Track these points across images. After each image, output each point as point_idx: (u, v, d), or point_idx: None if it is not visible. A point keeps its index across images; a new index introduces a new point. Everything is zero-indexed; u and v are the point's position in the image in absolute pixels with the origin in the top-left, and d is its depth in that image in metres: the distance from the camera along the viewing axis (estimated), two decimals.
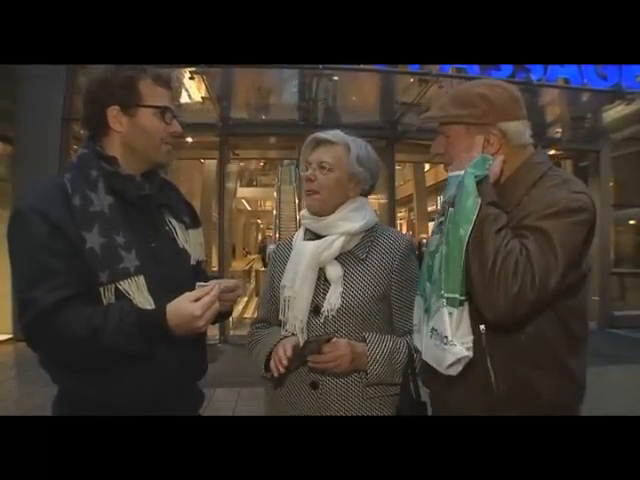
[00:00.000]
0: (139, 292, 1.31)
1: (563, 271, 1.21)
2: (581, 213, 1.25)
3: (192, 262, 1.54)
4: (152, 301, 1.32)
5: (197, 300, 1.25)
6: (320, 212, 1.66)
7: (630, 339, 7.62)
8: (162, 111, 1.40)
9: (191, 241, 1.54)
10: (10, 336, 7.22)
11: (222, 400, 4.82)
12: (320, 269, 1.63)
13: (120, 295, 1.29)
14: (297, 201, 13.53)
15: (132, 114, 1.37)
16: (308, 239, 1.69)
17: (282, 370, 1.51)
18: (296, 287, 1.62)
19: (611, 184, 9.76)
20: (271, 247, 5.29)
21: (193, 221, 1.57)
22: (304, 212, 1.72)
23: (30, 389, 4.91)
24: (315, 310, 1.63)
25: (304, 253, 1.64)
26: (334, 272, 1.62)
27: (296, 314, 1.62)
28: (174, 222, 1.51)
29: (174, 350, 1.34)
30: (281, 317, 1.68)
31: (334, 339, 1.53)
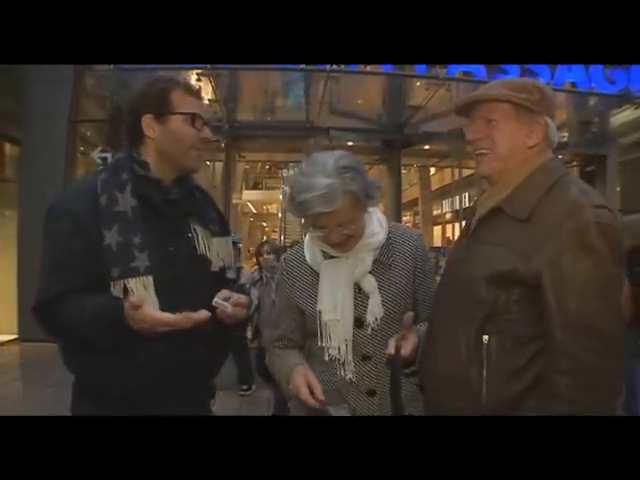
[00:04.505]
0: (145, 291, 1.36)
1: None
2: (608, 234, 1.22)
3: (214, 269, 1.55)
4: (157, 301, 1.36)
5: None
6: (351, 249, 1.60)
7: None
8: (191, 117, 1.46)
9: (214, 248, 1.55)
10: (16, 336, 7.26)
11: (224, 405, 4.79)
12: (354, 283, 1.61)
13: (127, 292, 1.35)
14: None
15: (164, 121, 1.44)
16: (329, 258, 1.63)
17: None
18: (339, 310, 1.57)
19: (618, 189, 9.73)
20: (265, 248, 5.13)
21: (221, 229, 1.60)
22: (323, 244, 1.62)
23: (35, 389, 4.93)
24: (358, 324, 1.59)
25: (338, 274, 1.59)
26: (370, 283, 1.59)
27: (343, 335, 1.58)
28: (199, 229, 1.53)
29: (177, 347, 1.37)
30: (321, 343, 1.61)
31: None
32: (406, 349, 1.47)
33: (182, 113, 1.44)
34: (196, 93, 1.51)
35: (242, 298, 1.47)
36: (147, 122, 1.44)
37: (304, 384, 1.50)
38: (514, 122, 1.35)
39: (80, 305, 1.33)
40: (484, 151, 1.39)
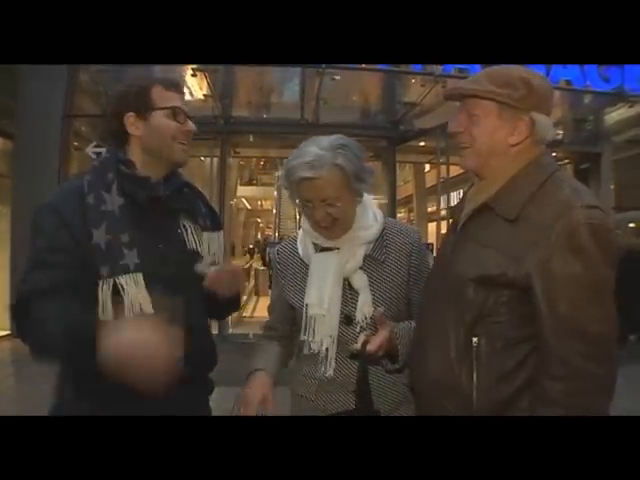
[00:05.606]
0: (135, 288, 1.38)
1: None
2: (603, 236, 1.21)
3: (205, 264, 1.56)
4: (148, 297, 1.37)
5: None
6: (339, 236, 1.59)
7: (630, 342, 7.60)
8: (172, 111, 1.47)
9: (205, 243, 1.56)
10: (8, 332, 7.21)
11: (220, 400, 4.78)
12: (343, 278, 1.59)
13: (117, 290, 1.36)
14: None
15: (146, 118, 1.46)
16: (321, 250, 1.62)
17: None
18: (325, 304, 1.55)
19: (612, 187, 9.77)
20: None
21: (212, 224, 1.60)
22: (313, 232, 1.62)
23: (28, 386, 4.91)
24: (347, 321, 1.58)
25: (327, 268, 1.57)
26: (360, 280, 1.57)
27: (327, 331, 1.56)
28: (188, 224, 1.55)
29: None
30: (303, 337, 1.60)
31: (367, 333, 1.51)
32: (373, 344, 1.46)
33: (163, 108, 1.47)
34: (176, 87, 1.52)
35: (235, 267, 1.55)
36: (130, 121, 1.46)
37: (260, 397, 1.55)
38: (496, 119, 1.32)
39: (57, 309, 1.29)
40: (465, 145, 1.37)
